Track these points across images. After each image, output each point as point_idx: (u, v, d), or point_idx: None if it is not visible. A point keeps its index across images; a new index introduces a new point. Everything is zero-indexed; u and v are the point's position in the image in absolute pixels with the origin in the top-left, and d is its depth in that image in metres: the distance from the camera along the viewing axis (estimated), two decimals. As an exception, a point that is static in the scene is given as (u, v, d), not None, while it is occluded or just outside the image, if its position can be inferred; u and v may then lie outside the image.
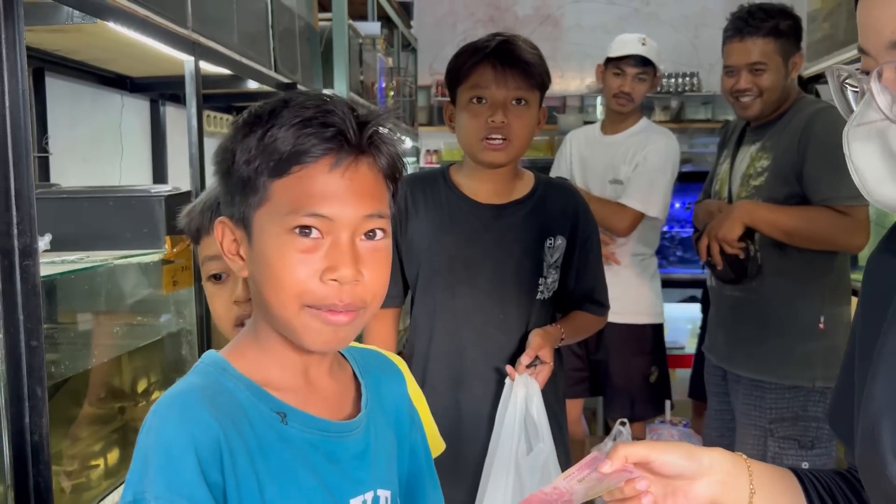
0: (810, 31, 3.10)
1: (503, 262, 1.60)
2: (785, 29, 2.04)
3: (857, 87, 0.74)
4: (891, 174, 0.69)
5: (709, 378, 2.33)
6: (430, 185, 1.63)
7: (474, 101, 1.51)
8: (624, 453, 0.78)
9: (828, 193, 1.94)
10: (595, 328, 1.74)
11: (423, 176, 1.70)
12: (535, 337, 1.54)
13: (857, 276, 2.69)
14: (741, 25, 2.06)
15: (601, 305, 1.69)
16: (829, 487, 0.86)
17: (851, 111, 0.75)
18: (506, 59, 1.49)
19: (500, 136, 1.50)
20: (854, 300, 2.19)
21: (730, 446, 2.19)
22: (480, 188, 1.61)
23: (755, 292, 2.09)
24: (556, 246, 1.61)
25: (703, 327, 3.02)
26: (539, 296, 1.60)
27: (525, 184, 1.64)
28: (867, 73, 0.71)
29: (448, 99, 1.64)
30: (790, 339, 2.05)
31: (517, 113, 1.51)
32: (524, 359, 1.51)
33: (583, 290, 1.66)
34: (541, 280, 1.60)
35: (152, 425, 0.72)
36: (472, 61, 1.51)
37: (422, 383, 1.45)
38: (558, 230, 1.61)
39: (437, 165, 5.34)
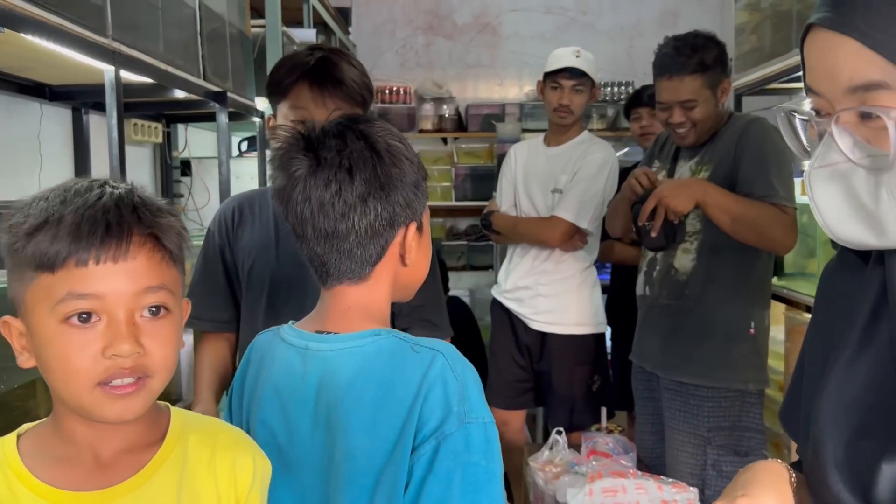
0: (738, 44, 3.19)
1: None
2: (710, 62, 2.06)
3: (805, 117, 0.75)
4: (854, 213, 0.71)
5: (636, 385, 2.36)
6: (258, 204, 1.57)
7: (295, 121, 1.41)
8: None
9: (765, 191, 1.99)
10: None
11: (250, 195, 1.62)
12: None
13: (781, 283, 2.77)
14: (668, 63, 2.07)
15: (432, 325, 1.55)
16: None
17: (803, 146, 0.76)
18: (324, 79, 1.41)
19: None
20: (773, 304, 2.27)
21: (664, 450, 2.25)
22: None
23: (689, 299, 2.13)
24: None
25: (614, 338, 3.05)
26: None
27: None
28: (817, 111, 0.72)
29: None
30: (724, 344, 2.10)
31: None
32: None
33: (410, 306, 1.43)
34: None
35: None
36: (289, 79, 1.43)
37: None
38: None
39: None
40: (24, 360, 0.80)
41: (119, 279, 0.76)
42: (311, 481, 0.94)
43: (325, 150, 0.94)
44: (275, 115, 1.50)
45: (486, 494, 0.87)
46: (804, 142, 0.76)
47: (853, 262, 0.83)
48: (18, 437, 0.83)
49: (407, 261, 0.99)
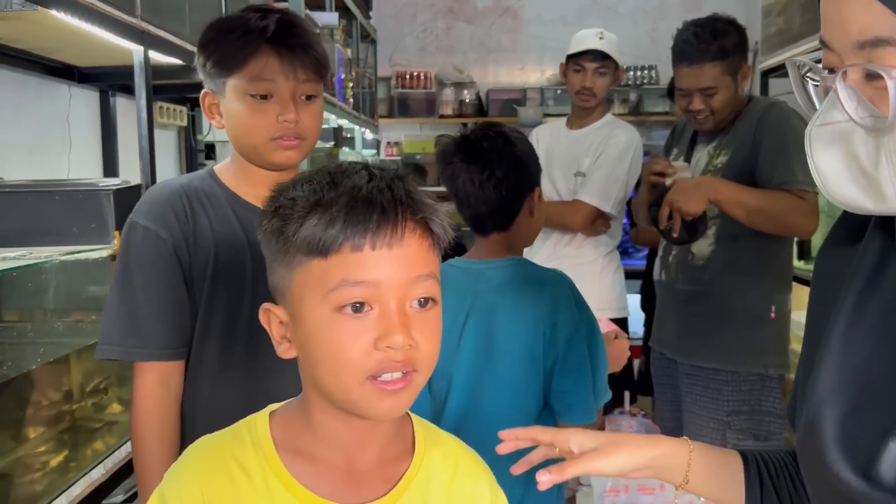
0: (765, 25, 3.15)
1: None
2: (731, 48, 2.03)
3: (817, 80, 0.73)
4: (852, 176, 0.69)
5: (656, 370, 2.36)
6: (204, 194, 1.27)
7: (256, 95, 1.22)
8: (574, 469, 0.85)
9: (784, 178, 1.97)
10: None
11: (186, 186, 1.29)
12: None
13: (807, 267, 2.74)
14: (688, 50, 2.04)
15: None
16: (776, 467, 0.89)
17: (812, 105, 0.74)
18: (293, 46, 1.22)
19: (293, 136, 1.25)
20: (796, 288, 2.26)
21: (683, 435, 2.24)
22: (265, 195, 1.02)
23: (708, 284, 2.12)
24: None
25: (648, 324, 3.04)
26: None
27: None
28: (830, 69, 0.70)
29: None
30: (744, 328, 2.09)
31: (307, 108, 1.25)
32: None
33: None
34: None
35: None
36: (248, 47, 1.20)
37: None
38: None
39: (398, 158, 5.31)
40: (284, 350, 0.76)
41: (393, 266, 0.71)
42: (466, 356, 1.38)
43: (477, 144, 1.41)
44: (217, 91, 1.25)
45: (604, 357, 1.47)
46: (813, 98, 0.74)
47: (844, 241, 0.81)
48: (270, 416, 0.78)
49: (535, 213, 1.46)
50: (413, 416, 0.84)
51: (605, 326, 1.84)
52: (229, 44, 1.21)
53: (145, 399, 1.22)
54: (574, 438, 0.88)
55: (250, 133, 1.24)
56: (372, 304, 0.71)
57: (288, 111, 1.21)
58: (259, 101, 1.22)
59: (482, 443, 0.90)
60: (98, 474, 1.58)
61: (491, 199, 1.40)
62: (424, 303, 0.73)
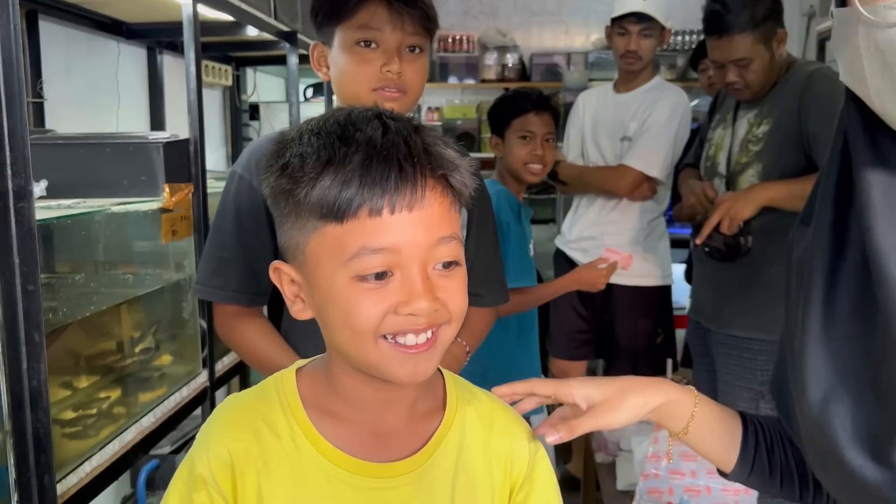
0: (824, -13, 3.04)
1: None
2: (761, 16, 1.95)
3: None
4: None
5: (692, 340, 2.33)
6: None
7: (362, 44, 1.23)
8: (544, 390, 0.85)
9: None
10: (488, 325, 1.47)
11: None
12: None
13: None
14: (717, 22, 1.98)
15: (502, 286, 1.45)
16: (771, 436, 0.89)
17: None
18: None
19: (395, 88, 1.26)
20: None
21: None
22: None
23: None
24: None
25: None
26: None
27: None
28: None
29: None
30: (781, 297, 2.04)
31: (413, 62, 1.26)
32: None
33: (483, 266, 1.39)
34: None
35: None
36: None
37: None
38: None
39: (439, 123, 5.27)
40: (298, 310, 0.73)
41: (414, 230, 0.67)
42: None
43: None
44: (326, 43, 1.28)
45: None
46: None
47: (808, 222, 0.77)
48: (297, 374, 0.77)
49: None
50: (446, 372, 0.82)
51: (612, 255, 2.11)
52: None
53: (225, 333, 1.25)
54: (579, 392, 0.84)
55: (353, 81, 1.25)
56: (393, 269, 0.67)
57: (392, 62, 1.22)
58: (364, 49, 1.23)
59: None
60: (148, 422, 1.62)
61: None
62: (448, 265, 0.70)
